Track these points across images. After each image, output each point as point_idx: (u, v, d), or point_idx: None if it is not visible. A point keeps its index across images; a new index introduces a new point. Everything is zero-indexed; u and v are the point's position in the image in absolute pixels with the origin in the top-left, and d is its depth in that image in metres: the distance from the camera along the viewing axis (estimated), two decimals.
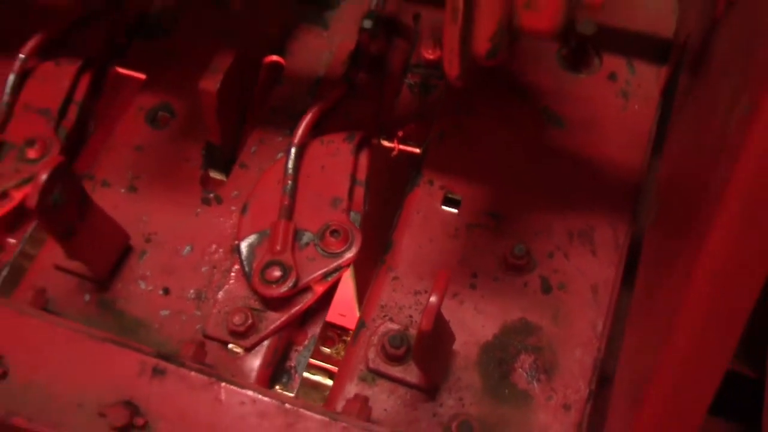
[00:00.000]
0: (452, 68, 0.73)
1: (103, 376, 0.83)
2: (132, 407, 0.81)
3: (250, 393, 0.82)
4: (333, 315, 2.05)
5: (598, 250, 0.99)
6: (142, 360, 0.83)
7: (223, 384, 0.82)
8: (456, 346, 0.92)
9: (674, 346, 0.60)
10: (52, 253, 0.99)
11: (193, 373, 0.83)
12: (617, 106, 1.09)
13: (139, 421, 0.80)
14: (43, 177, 0.81)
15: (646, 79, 1.11)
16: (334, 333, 1.73)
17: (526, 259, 0.97)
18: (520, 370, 0.92)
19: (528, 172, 1.04)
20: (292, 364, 0.97)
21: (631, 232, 1.00)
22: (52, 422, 0.80)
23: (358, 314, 0.98)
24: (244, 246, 0.97)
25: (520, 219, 1.01)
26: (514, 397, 0.91)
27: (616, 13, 1.15)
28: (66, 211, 0.86)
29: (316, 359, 1.37)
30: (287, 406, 0.81)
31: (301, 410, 0.81)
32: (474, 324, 0.94)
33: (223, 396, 0.82)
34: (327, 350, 1.68)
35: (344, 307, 1.67)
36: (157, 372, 0.83)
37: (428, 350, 0.82)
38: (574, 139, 1.07)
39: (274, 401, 0.81)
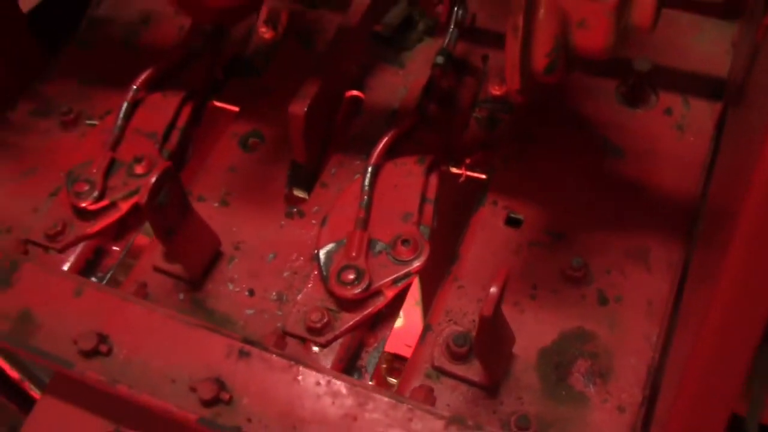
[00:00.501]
0: (513, 82, 0.82)
1: (195, 356, 0.93)
2: (219, 383, 0.90)
3: (325, 376, 0.90)
4: (400, 347, 2.13)
5: (654, 268, 1.05)
6: (229, 343, 0.93)
7: (300, 367, 0.91)
8: (516, 350, 0.99)
9: (704, 341, 0.67)
10: (152, 256, 1.11)
11: (274, 357, 0.92)
12: (673, 138, 1.16)
13: (225, 396, 0.89)
14: (154, 178, 0.93)
15: (701, 114, 1.18)
16: (401, 365, 1.80)
17: (583, 271, 1.03)
18: (577, 373, 0.97)
19: (587, 195, 1.12)
20: (363, 364, 1.05)
21: (685, 253, 1.06)
22: (148, 392, 0.90)
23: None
24: (322, 253, 1.06)
25: (578, 238, 1.08)
26: (571, 398, 0.96)
27: (672, 54, 1.24)
28: (169, 211, 0.98)
29: None
30: (358, 388, 0.89)
31: (371, 392, 0.88)
32: (533, 330, 1.01)
33: (300, 377, 0.90)
34: (393, 381, 1.75)
35: (411, 339, 1.75)
36: (243, 354, 0.92)
37: (489, 342, 0.89)
38: (632, 167, 1.14)
39: (346, 383, 0.89)
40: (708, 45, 1.26)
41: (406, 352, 1.68)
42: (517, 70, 0.81)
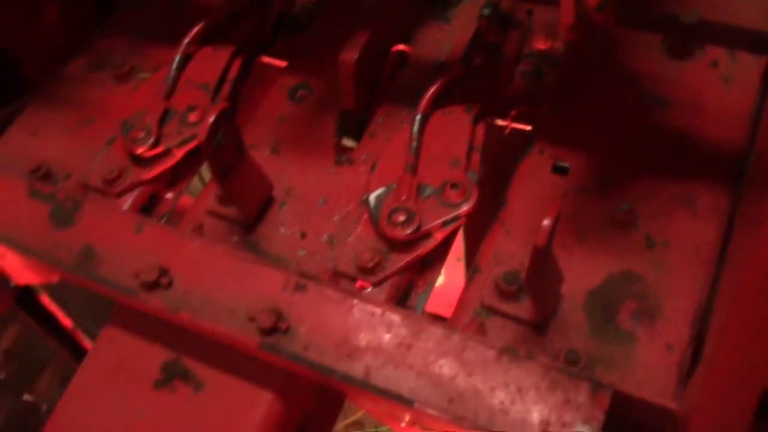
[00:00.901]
0: (568, 16, 0.84)
1: (252, 289, 0.95)
2: (277, 313, 0.93)
3: (379, 308, 0.92)
4: (441, 306, 2.15)
5: (700, 214, 1.05)
6: (286, 277, 0.96)
7: (355, 299, 0.93)
8: (564, 291, 1.00)
9: (752, 279, 0.68)
10: (206, 201, 1.14)
11: (329, 290, 0.94)
12: (719, 90, 1.16)
13: (283, 325, 0.92)
14: (213, 116, 0.96)
15: (747, 67, 1.18)
16: None
17: (630, 216, 1.05)
18: (624, 313, 0.99)
19: (633, 144, 1.13)
20: (412, 304, 1.07)
21: (731, 199, 1.07)
22: (209, 321, 0.93)
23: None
24: (372, 197, 1.09)
25: (625, 184, 1.09)
26: (618, 336, 0.97)
27: (718, 8, 1.24)
28: (226, 151, 1.00)
29: None
30: (412, 319, 0.91)
31: (424, 323, 0.91)
32: (581, 272, 1.02)
33: (355, 308, 0.93)
34: None
35: (452, 299, 1.77)
36: (299, 287, 0.95)
37: (540, 276, 0.91)
38: (678, 118, 1.15)
39: (400, 315, 0.92)
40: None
41: (447, 313, 1.71)
42: (572, 5, 0.82)
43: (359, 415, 2.53)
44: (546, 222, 0.84)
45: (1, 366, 1.43)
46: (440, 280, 1.66)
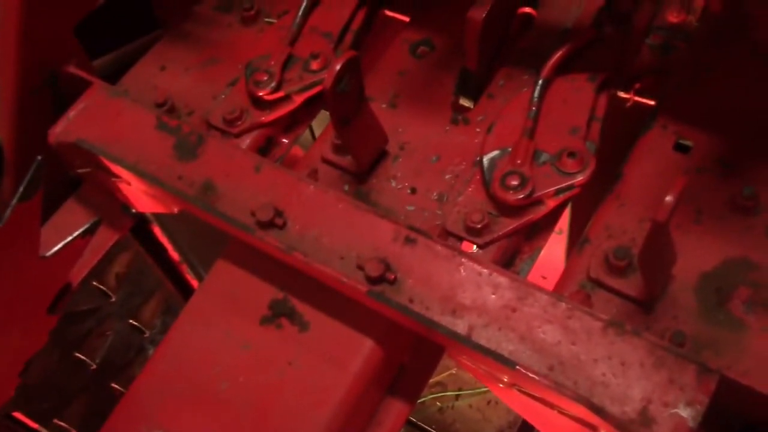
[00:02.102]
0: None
1: (364, 237, 0.97)
2: (385, 264, 0.94)
3: (486, 268, 0.93)
4: (536, 278, 2.13)
5: None
6: (397, 229, 0.97)
7: (464, 258, 0.94)
8: (675, 271, 0.98)
9: None
10: (322, 148, 1.16)
11: (439, 246, 0.95)
12: None
13: (390, 276, 0.93)
14: (341, 63, 0.97)
15: None
16: None
17: (753, 201, 1.01)
18: (737, 300, 0.96)
19: (762, 128, 1.08)
20: (517, 270, 1.07)
21: None
22: (320, 264, 0.95)
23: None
24: (486, 159, 1.08)
25: (750, 168, 1.05)
26: (728, 322, 0.95)
27: None
28: (348, 99, 1.02)
29: None
30: (519, 283, 0.91)
31: (531, 288, 0.91)
32: (695, 254, 1.00)
33: (463, 266, 0.93)
34: None
35: (547, 271, 1.75)
36: (409, 240, 0.96)
37: (655, 253, 0.89)
38: None
39: (507, 278, 0.92)
40: None
41: (543, 284, 1.70)
42: None
43: (443, 375, 2.56)
44: (669, 198, 0.82)
45: (114, 289, 1.51)
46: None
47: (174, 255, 1.53)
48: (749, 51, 1.16)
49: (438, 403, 2.54)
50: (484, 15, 1.10)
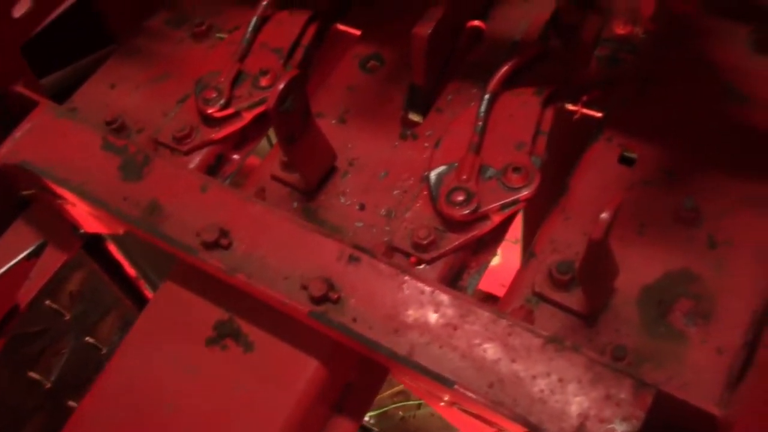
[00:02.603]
0: (647, 6, 0.81)
1: (308, 256, 0.98)
2: (329, 283, 0.95)
3: (429, 286, 0.93)
4: (495, 286, 2.15)
5: None
6: (341, 248, 0.97)
7: (407, 276, 0.94)
8: (618, 284, 0.99)
9: None
10: (271, 165, 1.16)
11: (382, 264, 0.96)
12: None
13: (334, 296, 0.94)
14: (284, 82, 0.97)
15: None
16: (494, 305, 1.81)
17: (694, 213, 1.02)
18: (678, 312, 0.97)
19: (706, 139, 1.10)
20: (464, 285, 1.08)
21: None
22: (264, 284, 0.95)
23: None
24: (433, 174, 1.09)
25: (693, 180, 1.07)
26: (669, 335, 0.96)
27: None
28: (293, 118, 1.02)
29: None
30: (461, 300, 0.92)
31: (473, 306, 0.91)
32: (637, 266, 1.01)
33: (406, 285, 0.94)
34: None
35: (506, 279, 1.76)
36: (353, 259, 0.96)
37: (594, 269, 0.90)
38: (756, 115, 1.11)
39: (449, 295, 0.92)
40: None
41: (501, 292, 1.70)
42: None
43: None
44: (604, 215, 0.83)
45: (67, 307, 1.50)
46: (496, 260, 1.66)
47: (130, 271, 1.52)
48: (693, 61, 1.18)
49: (400, 413, 2.55)
50: (429, 31, 1.10)
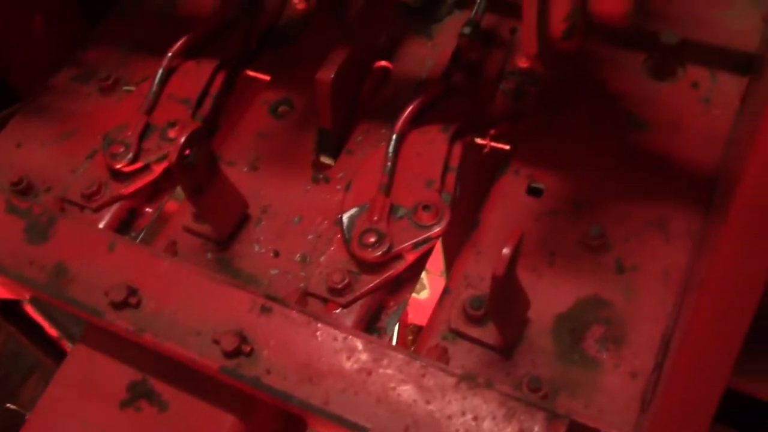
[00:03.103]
0: (531, 46, 0.84)
1: (219, 310, 0.97)
2: (241, 337, 0.94)
3: (342, 332, 0.93)
4: (425, 319, 2.15)
5: (672, 238, 1.05)
6: (252, 299, 0.97)
7: (319, 323, 0.94)
8: (532, 315, 1.01)
9: (701, 310, 0.68)
10: (183, 217, 1.15)
11: (294, 312, 0.95)
12: (698, 111, 1.16)
13: (247, 348, 0.93)
14: (184, 137, 0.96)
15: (728, 88, 1.17)
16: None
17: (601, 240, 1.04)
18: (590, 339, 0.99)
19: (609, 166, 1.13)
20: (383, 325, 1.08)
21: (704, 224, 1.06)
22: (174, 342, 0.94)
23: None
24: (345, 217, 1.09)
25: (598, 207, 1.09)
26: (583, 362, 0.97)
27: (701, 28, 1.23)
28: (198, 170, 1.01)
29: None
30: (374, 344, 0.92)
31: (386, 349, 0.91)
32: (550, 296, 1.02)
33: (319, 333, 0.94)
34: None
35: None
36: (265, 309, 0.96)
37: (503, 304, 0.91)
38: (656, 140, 1.14)
39: (362, 340, 0.92)
40: (738, 19, 1.25)
41: None
42: (534, 34, 0.82)
43: None
44: (505, 251, 0.84)
45: None
46: (425, 294, 1.66)
47: (51, 331, 1.49)
48: (594, 90, 1.21)
49: None
50: (332, 75, 1.12)
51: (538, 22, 0.80)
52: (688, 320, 0.77)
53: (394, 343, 1.17)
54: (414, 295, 1.61)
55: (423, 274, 1.60)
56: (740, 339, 0.69)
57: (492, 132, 1.21)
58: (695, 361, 0.73)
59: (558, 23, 0.82)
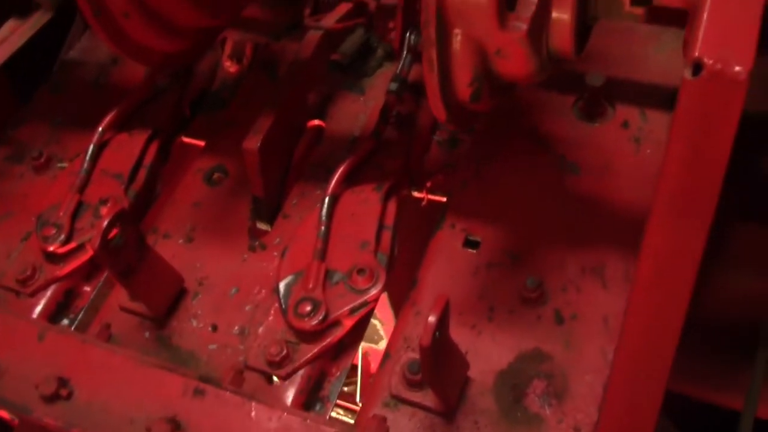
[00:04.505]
0: (439, 113, 0.83)
1: (152, 395, 0.94)
2: (174, 423, 0.91)
3: (277, 411, 0.91)
4: None
5: (609, 284, 1.05)
6: (185, 382, 0.94)
7: (254, 403, 0.92)
8: (473, 374, 0.99)
9: (625, 342, 0.67)
10: (119, 296, 1.13)
11: (228, 394, 0.93)
12: (630, 151, 1.16)
13: None
14: (104, 222, 0.95)
15: (658, 125, 1.18)
16: None
17: (539, 292, 1.04)
18: (533, 395, 0.98)
19: (544, 214, 1.12)
20: (326, 394, 1.06)
21: None
22: None
23: None
24: (282, 285, 1.08)
25: (535, 257, 1.08)
26: (526, 419, 0.96)
27: (629, 65, 1.24)
28: (126, 252, 1.00)
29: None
30: (309, 422, 0.90)
31: (322, 426, 0.89)
32: (490, 353, 1.01)
33: (254, 413, 0.91)
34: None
35: None
36: (198, 392, 0.94)
37: (437, 369, 0.90)
38: (589, 184, 1.14)
39: (297, 418, 0.90)
40: (666, 55, 1.26)
41: None
42: (440, 101, 0.82)
43: None
44: (431, 319, 0.83)
45: None
46: (383, 343, 1.64)
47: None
48: (526, 136, 1.21)
49: None
50: (258, 144, 1.11)
51: (441, 88, 0.80)
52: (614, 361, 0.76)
53: (357, 399, 1.15)
54: (372, 345, 1.60)
55: (378, 325, 1.59)
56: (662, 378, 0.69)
57: (428, 184, 1.21)
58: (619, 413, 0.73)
59: (463, 88, 0.82)
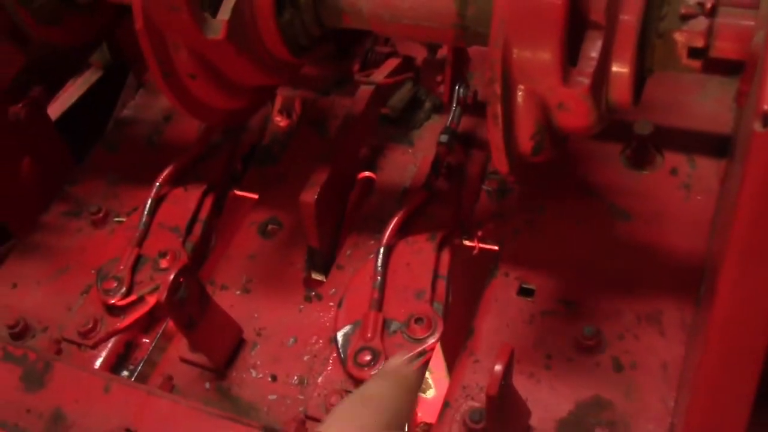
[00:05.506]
0: (502, 165, 0.85)
1: None
2: None
3: None
4: (432, 417, 2.12)
5: (667, 331, 1.05)
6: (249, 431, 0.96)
7: None
8: (533, 422, 1.00)
9: (698, 391, 0.68)
10: (179, 348, 1.15)
11: None
12: (679, 198, 1.17)
13: None
14: (172, 276, 0.98)
15: (707, 172, 1.19)
16: None
17: (596, 339, 1.04)
18: None
19: (597, 261, 1.13)
20: None
21: (695, 313, 1.06)
22: None
23: None
24: (340, 335, 1.09)
25: (590, 305, 1.09)
26: None
27: (675, 113, 1.26)
28: (189, 305, 1.02)
29: None
30: None
31: None
32: (549, 401, 1.02)
33: None
34: None
35: None
36: None
37: (501, 419, 0.90)
38: (640, 231, 1.15)
39: None
40: (711, 103, 1.28)
41: None
42: (504, 154, 0.84)
43: None
44: (498, 367, 0.84)
45: None
46: (432, 392, 1.65)
47: None
48: (576, 185, 1.23)
49: None
50: (315, 197, 1.13)
51: (505, 142, 0.82)
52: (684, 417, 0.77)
53: None
54: (421, 394, 1.60)
55: (427, 375, 1.59)
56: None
57: (479, 233, 1.22)
58: None
59: (526, 141, 0.84)
